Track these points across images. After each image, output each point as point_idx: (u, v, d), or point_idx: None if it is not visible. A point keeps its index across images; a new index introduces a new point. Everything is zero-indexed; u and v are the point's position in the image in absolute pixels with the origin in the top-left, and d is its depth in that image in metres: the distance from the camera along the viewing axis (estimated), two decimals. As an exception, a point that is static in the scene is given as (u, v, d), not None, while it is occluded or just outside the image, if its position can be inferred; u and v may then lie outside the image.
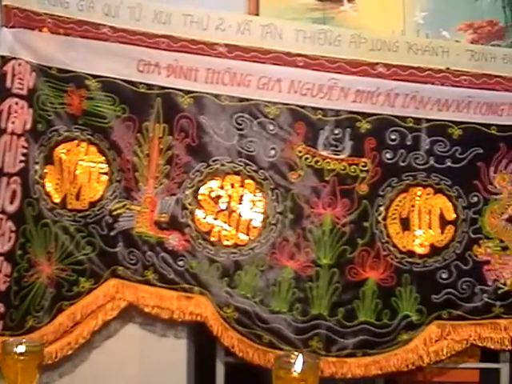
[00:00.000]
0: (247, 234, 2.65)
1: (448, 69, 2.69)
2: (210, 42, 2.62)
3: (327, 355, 2.62)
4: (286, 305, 2.63)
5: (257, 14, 2.85)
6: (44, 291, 2.60)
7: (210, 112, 2.64)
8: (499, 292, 2.69)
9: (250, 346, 2.62)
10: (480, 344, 2.70)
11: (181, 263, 2.62)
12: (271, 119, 2.65)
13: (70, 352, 2.62)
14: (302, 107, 2.65)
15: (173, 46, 2.62)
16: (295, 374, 2.04)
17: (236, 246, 2.64)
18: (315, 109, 2.65)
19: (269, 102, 2.64)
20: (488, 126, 2.71)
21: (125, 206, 2.63)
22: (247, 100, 2.64)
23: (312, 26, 2.71)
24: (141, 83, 2.63)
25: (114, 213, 2.63)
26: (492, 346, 2.70)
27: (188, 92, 2.63)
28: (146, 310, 2.63)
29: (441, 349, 2.67)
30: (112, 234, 2.63)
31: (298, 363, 2.05)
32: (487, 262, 2.70)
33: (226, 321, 2.61)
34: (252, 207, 2.66)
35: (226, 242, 2.64)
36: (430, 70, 2.68)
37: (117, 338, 2.71)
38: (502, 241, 2.71)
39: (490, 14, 2.97)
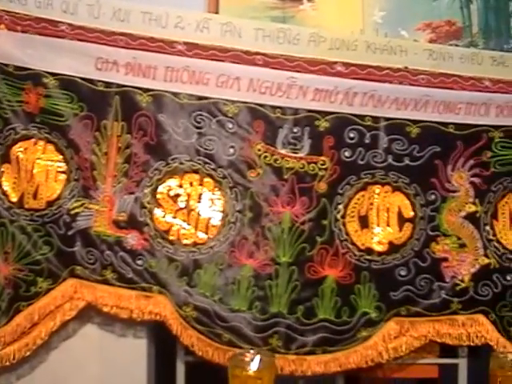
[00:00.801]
0: (206, 233, 2.65)
1: (406, 68, 2.72)
2: (168, 40, 2.62)
3: (287, 353, 2.63)
4: (245, 303, 2.63)
5: (216, 13, 2.85)
6: (1, 292, 2.57)
7: (169, 110, 2.63)
8: (457, 288, 2.73)
9: (210, 344, 2.61)
10: (438, 340, 2.74)
11: (139, 262, 2.61)
12: (230, 117, 2.65)
13: (28, 353, 2.59)
14: (261, 105, 2.66)
15: (131, 43, 2.61)
16: (251, 373, 2.05)
17: (195, 244, 2.64)
18: (274, 107, 2.66)
19: (228, 101, 2.64)
20: (445, 124, 2.75)
21: (83, 204, 2.61)
22: (206, 98, 2.64)
23: (271, 25, 2.72)
24: (99, 81, 2.61)
25: (72, 212, 2.60)
26: (450, 342, 2.74)
27: (147, 90, 2.62)
28: (105, 309, 2.61)
29: (400, 345, 2.70)
30: (70, 233, 2.60)
31: (254, 361, 2.06)
32: (445, 259, 2.74)
33: (185, 320, 2.60)
34: (211, 206, 2.66)
35: (185, 241, 2.63)
36: (388, 68, 2.70)
37: (75, 339, 2.68)
38: (459, 238, 2.75)
39: (448, 14, 3.02)
